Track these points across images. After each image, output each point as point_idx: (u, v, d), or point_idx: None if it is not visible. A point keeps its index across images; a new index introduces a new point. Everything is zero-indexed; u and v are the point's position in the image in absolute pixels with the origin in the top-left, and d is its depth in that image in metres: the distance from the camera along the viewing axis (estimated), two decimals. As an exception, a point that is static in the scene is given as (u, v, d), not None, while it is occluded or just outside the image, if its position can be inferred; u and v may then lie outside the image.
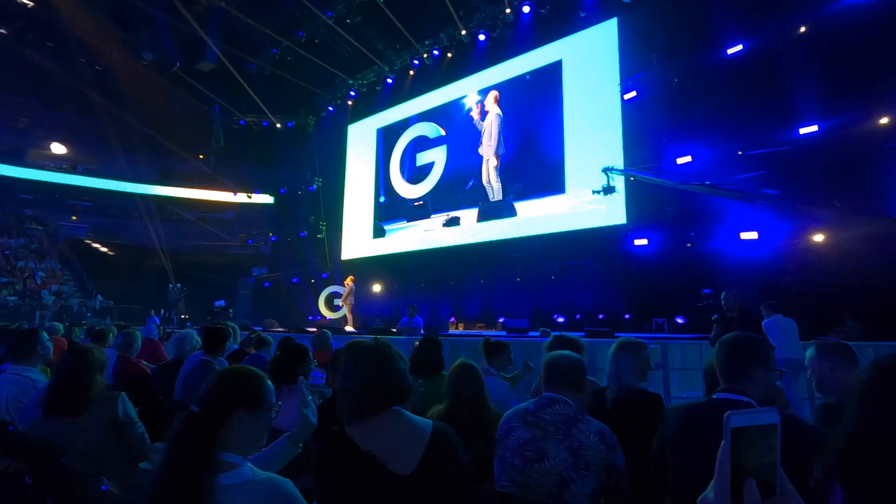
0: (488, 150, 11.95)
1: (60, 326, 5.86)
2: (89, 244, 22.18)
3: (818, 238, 7.60)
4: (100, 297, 17.66)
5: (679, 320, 8.54)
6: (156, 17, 14.31)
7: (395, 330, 8.75)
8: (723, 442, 0.58)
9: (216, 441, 1.18)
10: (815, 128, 7.51)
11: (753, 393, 1.55)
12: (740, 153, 8.20)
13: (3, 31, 18.38)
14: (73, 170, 23.67)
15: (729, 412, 0.58)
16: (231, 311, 7.60)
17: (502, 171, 11.79)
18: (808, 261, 7.46)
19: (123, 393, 2.14)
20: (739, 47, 8.37)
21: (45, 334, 2.88)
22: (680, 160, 8.76)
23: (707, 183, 8.22)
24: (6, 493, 1.97)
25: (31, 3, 16.57)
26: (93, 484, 1.75)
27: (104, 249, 22.14)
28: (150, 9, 14.25)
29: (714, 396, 1.60)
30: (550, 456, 1.66)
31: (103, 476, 1.89)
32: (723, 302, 4.96)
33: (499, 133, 11.85)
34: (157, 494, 1.11)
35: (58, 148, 23.77)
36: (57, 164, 23.61)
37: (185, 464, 1.12)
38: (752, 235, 7.97)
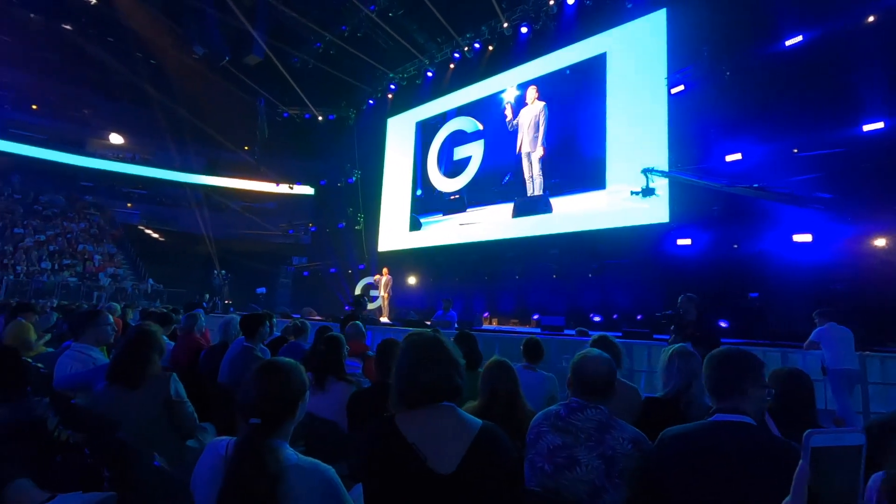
0: (533, 143, 11.76)
1: (118, 307, 6.22)
2: (142, 230, 23.43)
3: (879, 243, 7.10)
4: (151, 281, 18.65)
5: (723, 324, 8.21)
6: (206, 12, 14.87)
7: (428, 323, 8.80)
8: (801, 462, 0.54)
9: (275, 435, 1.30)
10: (881, 124, 7.00)
11: (749, 410, 1.49)
12: (796, 151, 7.75)
13: (68, 27, 19.55)
14: (130, 159, 25.00)
15: (809, 430, 0.54)
16: (366, 297, 7.86)
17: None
18: (867, 267, 6.98)
19: (174, 374, 2.25)
20: (799, 38, 7.86)
21: (110, 316, 3.03)
22: (729, 157, 8.32)
23: (755, 186, 7.79)
24: (67, 463, 2.13)
25: (94, 1, 17.54)
26: (146, 458, 1.87)
27: (156, 235, 23.34)
28: (202, 4, 14.81)
29: (711, 419, 1.52)
30: (582, 463, 1.60)
31: (155, 452, 2.02)
32: (679, 307, 4.56)
33: (546, 125, 11.65)
34: (231, 487, 1.19)
35: (115, 138, 25.12)
36: (115, 153, 24.97)
37: (259, 458, 1.21)
38: (806, 238, 7.52)
